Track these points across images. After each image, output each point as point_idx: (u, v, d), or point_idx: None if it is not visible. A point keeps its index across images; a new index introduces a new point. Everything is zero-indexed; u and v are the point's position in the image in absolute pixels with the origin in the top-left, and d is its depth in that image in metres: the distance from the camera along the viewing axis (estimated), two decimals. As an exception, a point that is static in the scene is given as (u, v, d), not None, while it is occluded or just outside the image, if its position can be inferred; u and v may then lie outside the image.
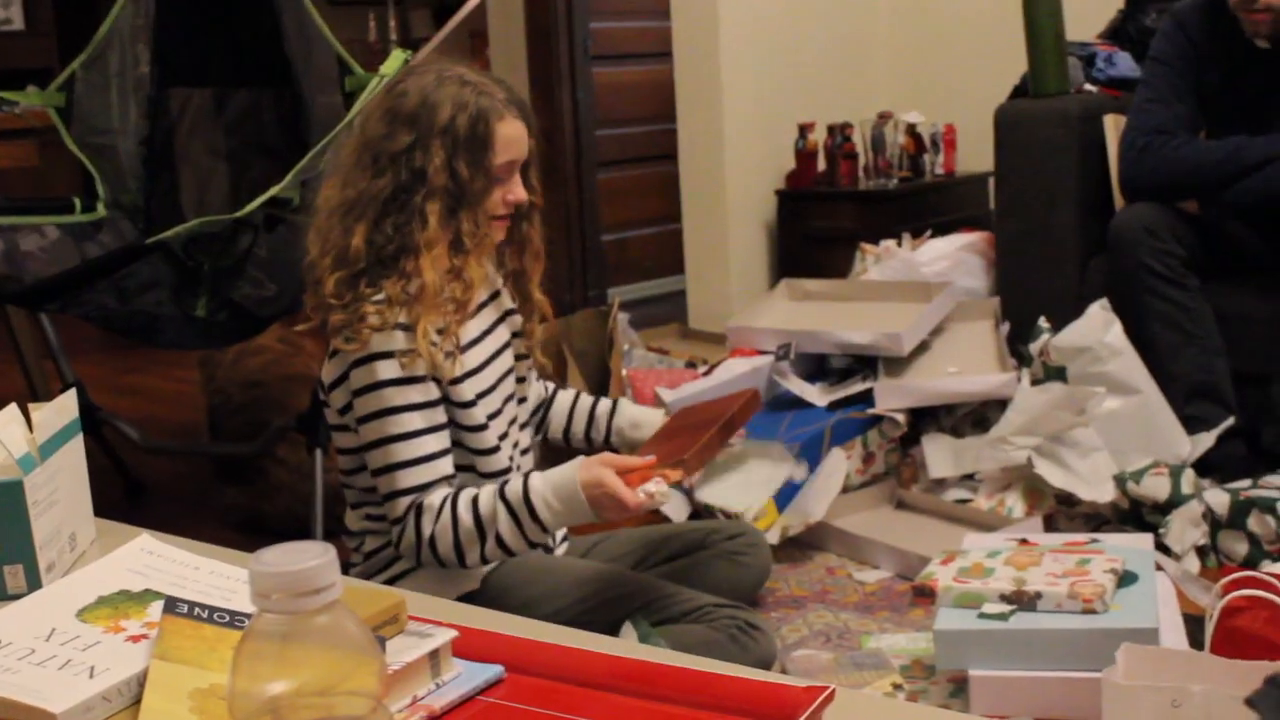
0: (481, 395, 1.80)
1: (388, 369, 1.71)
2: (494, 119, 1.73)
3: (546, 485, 1.72)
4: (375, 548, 1.85)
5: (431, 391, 1.74)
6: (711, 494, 2.44)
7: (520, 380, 1.95)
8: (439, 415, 1.75)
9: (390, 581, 1.81)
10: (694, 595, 1.82)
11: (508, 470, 1.83)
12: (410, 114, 1.72)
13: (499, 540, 1.72)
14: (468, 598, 1.77)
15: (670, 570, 1.99)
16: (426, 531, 1.72)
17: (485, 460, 1.81)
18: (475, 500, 1.73)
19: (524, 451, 1.93)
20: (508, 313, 1.92)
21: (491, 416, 1.82)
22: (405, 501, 1.73)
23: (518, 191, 1.79)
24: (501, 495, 1.72)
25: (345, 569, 1.06)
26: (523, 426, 1.95)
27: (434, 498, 1.73)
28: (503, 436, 1.85)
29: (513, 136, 1.76)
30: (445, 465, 1.76)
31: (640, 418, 2.03)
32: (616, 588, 1.82)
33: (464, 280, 1.74)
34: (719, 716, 0.80)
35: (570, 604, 1.77)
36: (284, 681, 0.60)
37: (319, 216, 1.77)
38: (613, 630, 1.71)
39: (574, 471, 1.71)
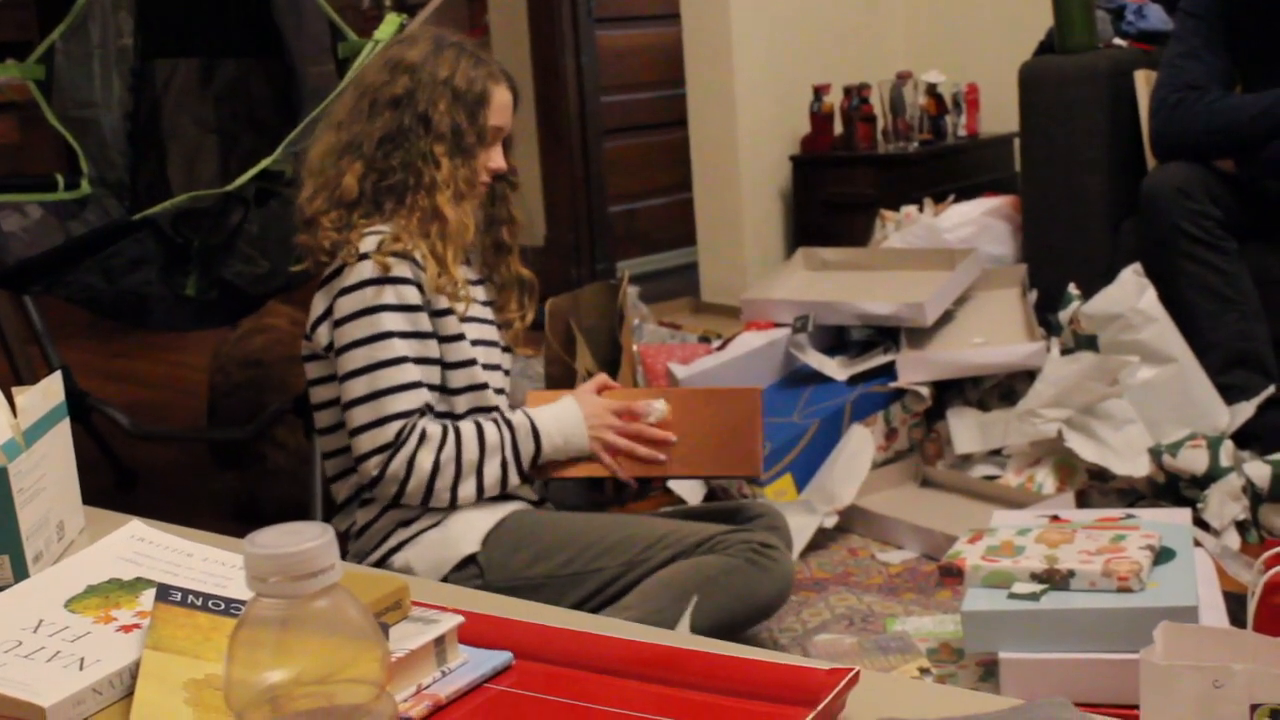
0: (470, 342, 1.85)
1: (383, 294, 1.75)
2: (490, 82, 1.85)
3: (542, 410, 1.86)
4: (367, 521, 1.83)
5: (423, 322, 1.78)
6: None
7: (506, 373, 1.96)
8: (428, 349, 1.79)
9: (388, 554, 1.80)
10: (702, 527, 1.83)
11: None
12: (411, 65, 1.82)
13: (503, 465, 1.79)
14: (469, 560, 1.78)
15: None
16: (427, 462, 1.74)
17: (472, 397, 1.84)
18: (479, 427, 1.79)
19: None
20: (491, 301, 1.96)
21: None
22: (395, 426, 1.74)
23: (498, 160, 1.88)
24: (505, 420, 1.82)
25: (342, 555, 1.02)
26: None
27: (433, 427, 1.76)
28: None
29: (505, 103, 1.87)
30: (429, 395, 1.79)
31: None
32: (623, 530, 1.84)
33: (463, 225, 1.83)
34: (738, 701, 0.78)
35: (579, 552, 1.80)
36: (282, 669, 0.59)
37: (312, 160, 1.85)
38: (628, 572, 1.76)
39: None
